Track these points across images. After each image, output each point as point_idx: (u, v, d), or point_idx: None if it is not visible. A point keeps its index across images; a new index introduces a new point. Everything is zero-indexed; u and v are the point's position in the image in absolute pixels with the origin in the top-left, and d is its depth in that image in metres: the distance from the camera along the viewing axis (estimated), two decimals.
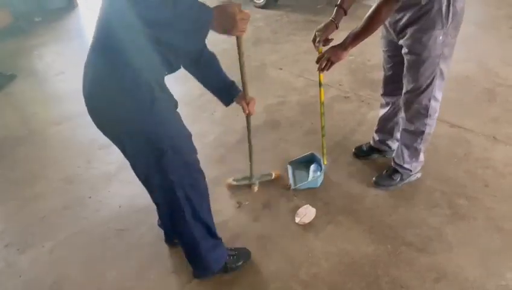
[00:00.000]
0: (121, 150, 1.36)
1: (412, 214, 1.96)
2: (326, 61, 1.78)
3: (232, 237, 1.92)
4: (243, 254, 1.80)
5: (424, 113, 1.87)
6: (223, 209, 2.11)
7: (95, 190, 2.40)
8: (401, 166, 2.08)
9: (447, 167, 2.24)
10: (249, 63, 3.82)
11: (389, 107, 2.17)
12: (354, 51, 3.76)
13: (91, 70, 1.23)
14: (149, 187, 1.48)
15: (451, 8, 1.59)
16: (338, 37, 1.85)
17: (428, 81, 1.77)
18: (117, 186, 2.41)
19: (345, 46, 1.71)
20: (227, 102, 1.79)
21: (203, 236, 1.57)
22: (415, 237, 1.84)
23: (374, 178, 2.17)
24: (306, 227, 1.95)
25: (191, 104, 3.18)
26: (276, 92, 3.28)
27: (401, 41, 1.76)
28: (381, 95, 2.21)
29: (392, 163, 2.13)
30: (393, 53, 1.91)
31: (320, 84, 2.04)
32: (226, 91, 1.73)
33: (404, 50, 1.76)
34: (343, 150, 2.48)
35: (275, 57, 4.01)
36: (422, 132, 1.94)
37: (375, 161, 2.35)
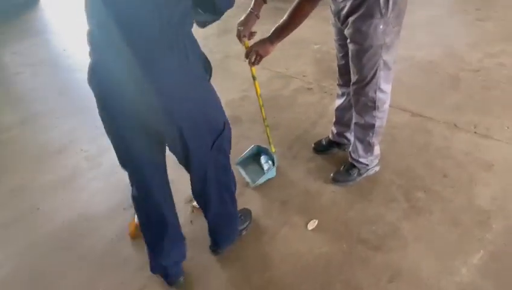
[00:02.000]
0: (180, 145, 1.28)
1: (369, 210, 1.91)
2: (255, 55, 1.72)
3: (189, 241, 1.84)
4: (247, 214, 1.91)
5: (372, 105, 1.82)
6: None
7: (46, 199, 2.28)
8: (357, 160, 2.02)
9: (406, 159, 2.19)
10: (212, 56, 3.72)
11: (344, 98, 2.11)
12: (319, 39, 3.72)
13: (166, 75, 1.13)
14: (205, 175, 1.44)
15: None
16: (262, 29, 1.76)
17: (372, 72, 1.72)
18: (70, 194, 2.30)
19: (271, 40, 1.67)
20: None
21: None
22: (371, 234, 1.79)
23: (331, 174, 2.11)
24: (260, 231, 1.87)
25: None
26: (239, 86, 3.18)
27: (345, 31, 1.70)
28: (337, 85, 2.14)
29: (349, 158, 2.07)
30: (344, 42, 1.83)
31: (253, 78, 1.98)
32: None
33: (348, 40, 1.71)
34: (303, 144, 2.41)
35: (239, 47, 3.86)
36: (373, 125, 1.88)
37: (335, 155, 2.29)
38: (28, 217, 2.17)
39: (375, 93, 1.78)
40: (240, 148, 2.45)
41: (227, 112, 2.83)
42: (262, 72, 3.37)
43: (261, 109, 2.10)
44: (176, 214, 1.60)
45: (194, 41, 1.21)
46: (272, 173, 2.16)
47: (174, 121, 1.20)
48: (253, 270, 1.70)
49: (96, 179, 2.34)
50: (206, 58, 1.29)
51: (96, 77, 1.17)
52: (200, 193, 1.52)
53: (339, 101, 2.17)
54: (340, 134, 2.24)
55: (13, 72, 4.10)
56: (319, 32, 3.66)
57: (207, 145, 1.34)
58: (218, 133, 1.37)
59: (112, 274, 1.78)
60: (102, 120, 1.28)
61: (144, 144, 1.32)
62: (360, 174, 2.06)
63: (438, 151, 2.22)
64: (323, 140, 2.33)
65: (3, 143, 2.89)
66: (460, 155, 2.17)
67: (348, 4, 1.61)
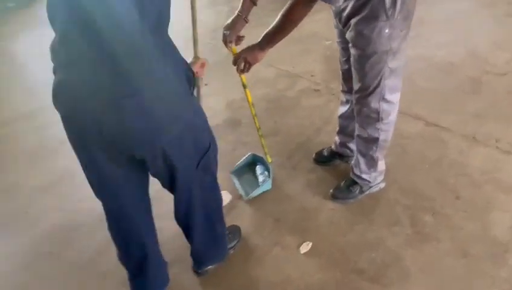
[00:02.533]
0: (164, 166, 1.15)
1: (369, 233, 1.74)
2: (243, 63, 1.55)
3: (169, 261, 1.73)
4: (235, 232, 1.78)
5: (375, 117, 1.63)
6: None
7: (36, 202, 2.21)
8: (359, 177, 1.84)
9: (416, 175, 1.99)
10: (217, 50, 3.56)
11: (349, 106, 1.92)
12: (331, 35, 3.45)
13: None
14: (190, 197, 1.31)
15: None
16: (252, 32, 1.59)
17: (376, 81, 1.53)
18: (60, 198, 2.22)
19: (261, 46, 1.49)
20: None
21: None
22: (369, 262, 1.62)
23: (331, 190, 1.94)
24: (249, 251, 1.74)
25: None
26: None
27: (346, 34, 1.51)
28: (341, 91, 1.96)
29: (351, 173, 1.89)
30: (346, 45, 1.65)
31: (244, 86, 1.84)
32: None
33: (350, 44, 1.53)
34: (305, 154, 2.23)
35: (245, 42, 3.68)
36: (376, 139, 1.70)
37: (337, 167, 2.11)
38: (15, 221, 2.11)
39: (379, 103, 1.60)
40: (236, 155, 2.31)
41: (227, 114, 2.68)
42: (267, 69, 3.18)
43: (254, 118, 1.97)
44: (156, 241, 1.48)
45: (173, 47, 1.06)
46: (267, 186, 2.01)
47: (157, 142, 1.06)
48: None
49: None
50: (188, 66, 1.14)
51: (63, 98, 1.01)
52: (184, 215, 1.39)
53: (342, 109, 1.99)
54: (343, 144, 2.05)
55: (21, 63, 4.06)
56: (331, 26, 3.42)
57: (192, 166, 1.21)
58: (204, 152, 1.23)
59: (95, 286, 1.70)
60: (72, 146, 1.13)
61: (121, 172, 1.17)
62: (362, 191, 1.88)
63: (452, 167, 2.01)
64: (325, 150, 2.15)
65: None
66: (477, 173, 1.95)
67: (350, 4, 1.43)
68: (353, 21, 1.45)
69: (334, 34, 1.76)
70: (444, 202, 1.82)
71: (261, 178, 2.05)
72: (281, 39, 1.48)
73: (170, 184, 1.25)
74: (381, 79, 1.53)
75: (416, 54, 2.90)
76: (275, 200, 1.97)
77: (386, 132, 1.70)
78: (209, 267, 1.64)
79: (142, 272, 1.41)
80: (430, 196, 1.86)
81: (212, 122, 2.81)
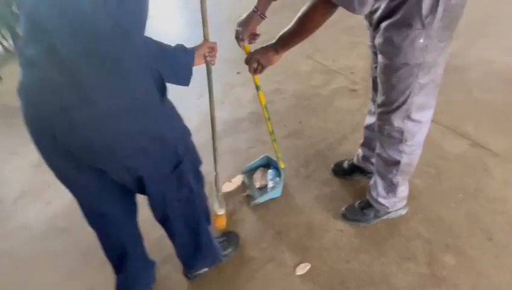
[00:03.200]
0: (132, 179, 1.09)
1: (376, 266, 1.55)
2: (256, 64, 1.43)
3: (160, 260, 1.71)
4: (232, 239, 1.71)
5: (398, 137, 1.42)
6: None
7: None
8: (375, 200, 1.65)
9: (446, 204, 1.73)
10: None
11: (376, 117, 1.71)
12: None
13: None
14: (165, 210, 1.25)
15: (441, 0, 1.10)
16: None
17: (402, 97, 1.32)
18: None
19: (276, 48, 1.35)
20: (186, 78, 1.30)
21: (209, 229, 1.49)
22: None
23: (343, 208, 1.77)
24: (241, 263, 1.65)
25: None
26: (274, 77, 2.85)
27: (375, 39, 1.31)
28: (371, 100, 1.75)
29: (367, 194, 1.70)
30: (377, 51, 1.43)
31: (257, 88, 1.70)
32: (180, 64, 1.29)
33: (378, 51, 1.32)
34: (323, 162, 2.06)
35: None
36: (397, 162, 1.49)
37: (356, 183, 1.92)
38: (38, 193, 2.23)
39: (403, 122, 1.38)
40: (252, 153, 2.22)
41: (253, 108, 2.53)
42: (304, 62, 2.98)
43: (267, 122, 1.83)
44: (139, 242, 1.44)
45: (143, 54, 0.95)
46: (276, 193, 1.90)
47: (113, 155, 0.98)
48: None
49: None
50: (158, 72, 1.02)
51: (21, 100, 0.94)
52: (162, 222, 1.33)
53: (370, 119, 1.78)
54: (366, 159, 1.85)
55: None
56: None
57: (162, 178, 1.13)
58: (175, 165, 1.14)
59: (91, 273, 1.74)
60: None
61: (89, 180, 1.10)
62: (377, 216, 1.69)
63: (490, 202, 1.72)
64: (346, 162, 1.96)
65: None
66: None
67: (383, 5, 1.22)
68: (383, 25, 1.24)
69: None
70: (472, 242, 1.57)
71: (270, 184, 1.93)
72: (297, 43, 1.32)
73: (141, 193, 1.17)
74: (409, 95, 1.31)
75: (477, 58, 2.52)
76: (281, 210, 1.85)
77: (410, 155, 1.48)
78: (198, 272, 1.59)
79: (122, 270, 1.40)
80: (457, 233, 1.62)
81: (235, 114, 2.76)
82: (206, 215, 1.42)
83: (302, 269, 1.59)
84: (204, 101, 2.71)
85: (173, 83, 1.32)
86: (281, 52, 1.38)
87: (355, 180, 1.93)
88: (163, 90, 1.01)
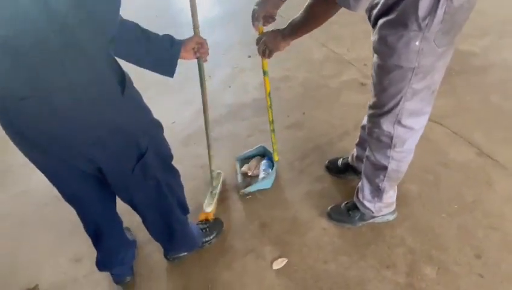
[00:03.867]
0: (92, 168, 1.10)
1: (353, 269, 1.53)
2: (264, 47, 1.40)
3: (143, 240, 1.76)
4: (216, 226, 1.73)
5: (386, 142, 1.37)
6: None
7: None
8: (361, 203, 1.61)
9: (437, 215, 1.66)
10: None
11: None
12: None
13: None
14: (132, 201, 1.28)
15: (442, 1, 1.01)
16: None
17: (393, 102, 1.26)
18: None
19: (283, 35, 1.31)
20: (171, 68, 1.31)
21: (186, 217, 1.49)
22: None
23: (329, 207, 1.73)
24: (222, 251, 1.67)
25: (187, 63, 2.88)
26: (285, 63, 2.77)
27: (371, 36, 1.25)
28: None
29: (354, 195, 1.66)
30: None
31: (264, 73, 1.65)
32: (165, 54, 1.28)
33: (372, 49, 1.26)
34: (319, 158, 2.01)
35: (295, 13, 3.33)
36: (385, 167, 1.44)
37: (349, 182, 1.86)
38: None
39: (393, 126, 1.32)
40: (249, 141, 2.21)
41: (258, 94, 2.53)
42: (318, 50, 2.87)
43: (268, 110, 1.80)
44: (116, 223, 1.47)
45: (105, 46, 0.93)
46: (265, 184, 1.89)
47: (77, 149, 1.00)
48: None
49: None
50: (119, 65, 1.02)
51: None
52: (135, 210, 1.35)
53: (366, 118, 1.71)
54: (359, 159, 1.79)
55: None
56: None
57: (125, 170, 1.13)
58: (138, 157, 1.13)
59: (81, 242, 1.82)
60: None
61: (55, 164, 1.10)
62: (363, 219, 1.65)
63: (487, 216, 1.63)
64: (340, 160, 1.91)
65: None
66: None
67: (381, 1, 1.15)
68: (380, 22, 1.17)
69: None
70: (458, 257, 1.51)
71: (262, 174, 1.92)
72: (304, 34, 1.28)
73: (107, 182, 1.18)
74: (400, 100, 1.24)
75: (501, 59, 2.34)
76: (269, 202, 1.84)
77: (398, 161, 1.42)
78: (177, 255, 1.62)
79: (99, 247, 1.44)
80: (445, 245, 1.55)
81: (240, 99, 2.72)
82: (180, 205, 1.42)
83: (279, 263, 1.59)
84: (211, 83, 2.70)
85: (157, 73, 1.32)
86: (288, 40, 1.34)
87: (348, 180, 1.88)
88: (123, 83, 0.99)
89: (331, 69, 2.65)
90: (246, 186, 1.89)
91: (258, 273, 1.57)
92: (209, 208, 1.79)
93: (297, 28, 1.26)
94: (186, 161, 2.11)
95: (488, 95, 2.18)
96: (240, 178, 1.95)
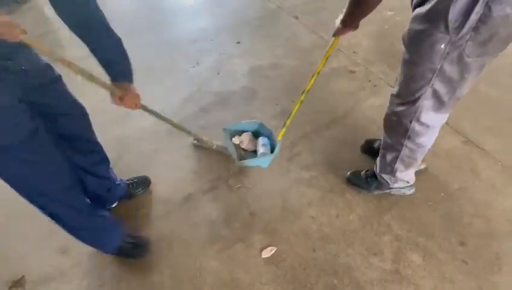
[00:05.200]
0: None
1: (341, 257, 1.54)
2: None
3: (131, 231, 1.74)
4: (142, 181, 1.87)
5: (403, 133, 1.39)
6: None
7: None
8: (378, 173, 1.66)
9: (424, 203, 1.69)
10: (264, 4, 3.25)
11: None
12: (397, 3, 3.00)
13: None
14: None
15: (477, 8, 0.94)
16: None
17: (412, 98, 1.26)
18: None
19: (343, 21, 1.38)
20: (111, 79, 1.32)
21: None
22: (327, 288, 1.46)
23: (348, 172, 1.79)
24: (211, 240, 1.67)
25: (176, 50, 2.82)
26: (274, 50, 2.73)
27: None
28: None
29: (374, 166, 1.69)
30: None
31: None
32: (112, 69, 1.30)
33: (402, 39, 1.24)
34: (307, 146, 2.01)
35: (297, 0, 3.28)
36: (398, 151, 1.47)
37: (339, 170, 1.87)
38: None
39: (411, 123, 1.32)
40: None
41: (247, 81, 2.61)
42: (308, 36, 2.83)
43: (310, 81, 1.76)
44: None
45: None
46: (264, 162, 1.81)
47: None
48: (183, 280, 1.54)
49: None
50: None
51: None
52: None
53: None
54: None
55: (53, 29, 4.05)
56: None
57: None
58: None
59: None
60: None
61: None
62: (379, 188, 1.70)
63: (472, 203, 1.66)
64: (378, 142, 1.82)
65: None
66: (500, 220, 1.59)
67: None
68: (414, 13, 1.13)
69: (402, 3, 1.48)
70: (443, 244, 1.54)
71: (262, 149, 1.83)
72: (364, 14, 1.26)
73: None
74: (419, 97, 1.23)
75: None
76: (258, 191, 1.83)
77: (411, 150, 1.45)
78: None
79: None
80: (430, 233, 1.58)
81: (228, 87, 2.65)
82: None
83: (268, 252, 1.60)
84: (198, 70, 2.65)
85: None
86: (348, 28, 1.43)
87: (339, 169, 1.88)
88: None
89: (320, 56, 2.61)
90: (241, 158, 1.83)
91: (247, 261, 1.58)
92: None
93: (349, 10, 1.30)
94: (172, 150, 2.08)
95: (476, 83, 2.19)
96: (231, 148, 1.86)
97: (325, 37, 2.76)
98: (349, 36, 2.75)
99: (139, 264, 1.61)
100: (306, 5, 3.19)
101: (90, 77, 1.18)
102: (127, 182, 1.83)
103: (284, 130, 1.83)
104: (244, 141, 1.93)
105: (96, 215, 1.49)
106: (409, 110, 1.29)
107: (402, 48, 1.23)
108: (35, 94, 1.16)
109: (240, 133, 1.99)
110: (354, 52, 2.59)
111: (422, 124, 1.31)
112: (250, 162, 1.82)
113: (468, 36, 1.00)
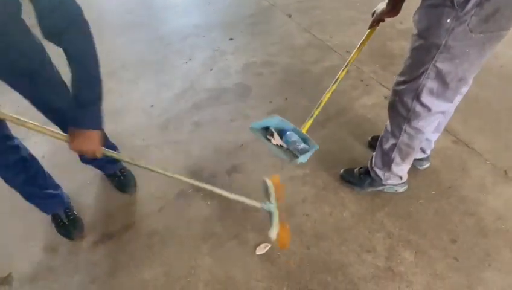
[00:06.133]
0: None
1: (335, 254, 1.55)
2: None
3: (123, 227, 1.72)
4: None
5: (403, 114, 1.39)
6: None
7: None
8: (372, 169, 1.67)
9: (415, 200, 1.71)
10: (257, 1, 3.25)
11: None
12: None
13: None
14: None
15: None
16: None
17: (415, 74, 1.27)
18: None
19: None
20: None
21: None
22: (321, 285, 1.46)
23: (342, 170, 1.81)
24: (205, 237, 1.65)
25: (168, 46, 2.78)
26: (268, 48, 2.73)
27: None
28: None
29: (368, 162, 1.71)
30: None
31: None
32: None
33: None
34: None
35: None
36: (396, 138, 1.49)
37: (333, 168, 1.88)
38: None
39: (413, 101, 1.33)
40: (234, 127, 2.17)
41: (240, 78, 2.58)
42: (301, 35, 2.84)
43: (343, 70, 1.73)
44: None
45: None
46: (306, 157, 1.54)
47: None
48: (177, 277, 1.52)
49: None
50: None
51: None
52: None
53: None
54: None
55: None
56: None
57: None
58: None
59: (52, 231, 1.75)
60: None
61: None
62: (372, 185, 1.72)
63: (463, 202, 1.69)
64: None
65: None
66: (490, 218, 1.62)
67: None
68: None
69: None
70: (435, 242, 1.56)
71: (301, 145, 1.59)
72: None
73: None
74: (421, 74, 1.25)
75: None
76: (251, 188, 1.82)
77: (410, 136, 1.46)
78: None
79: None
80: (422, 230, 1.60)
81: (221, 83, 2.64)
82: None
83: (262, 249, 1.59)
84: (191, 65, 2.63)
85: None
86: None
87: (332, 167, 1.89)
88: None
89: (314, 55, 2.63)
90: (293, 157, 1.56)
91: (241, 258, 1.57)
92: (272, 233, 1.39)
93: None
94: (165, 147, 2.06)
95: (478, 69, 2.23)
96: (277, 152, 1.62)
97: (319, 36, 2.77)
98: (343, 35, 2.79)
99: (132, 261, 1.59)
100: (299, 3, 3.20)
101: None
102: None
103: (313, 117, 1.69)
104: (276, 137, 1.69)
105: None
106: (410, 87, 1.30)
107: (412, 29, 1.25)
108: None
109: (265, 130, 1.74)
110: (347, 51, 2.61)
111: (422, 104, 1.32)
112: (308, 156, 1.55)
113: (472, 11, 1.03)
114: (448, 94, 1.28)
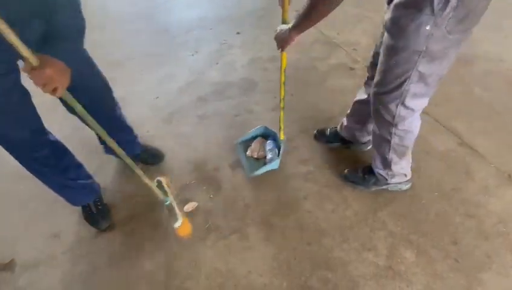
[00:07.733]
0: None
1: (336, 251, 1.56)
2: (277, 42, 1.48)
3: (125, 217, 1.72)
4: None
5: (389, 120, 1.42)
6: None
7: None
8: (375, 170, 1.70)
9: (418, 201, 1.71)
10: None
11: (368, 95, 1.68)
12: None
13: None
14: None
15: None
16: None
17: (397, 82, 1.28)
18: None
19: (290, 31, 1.35)
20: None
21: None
22: (321, 282, 1.47)
23: (345, 170, 1.82)
24: (206, 231, 1.66)
25: (174, 37, 2.77)
26: (274, 43, 2.70)
27: (385, 15, 1.24)
28: (367, 77, 1.73)
29: (371, 161, 1.73)
30: None
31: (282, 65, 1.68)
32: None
33: (384, 27, 1.26)
34: (305, 142, 2.01)
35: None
36: (388, 141, 1.51)
37: (335, 166, 1.88)
38: None
39: (397, 108, 1.36)
40: (237, 121, 2.17)
41: (246, 73, 2.59)
42: (308, 31, 2.81)
43: (281, 86, 1.73)
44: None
45: None
46: (274, 165, 1.85)
47: None
48: (179, 269, 1.53)
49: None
50: None
51: None
52: None
53: (361, 95, 1.76)
54: (349, 129, 1.86)
55: None
56: None
57: None
58: None
59: (59, 218, 1.76)
60: None
61: None
62: (377, 184, 1.74)
63: (464, 204, 1.69)
64: (328, 130, 1.97)
65: None
66: (491, 220, 1.63)
67: None
68: (395, 1, 1.16)
69: None
70: (436, 242, 1.57)
71: (269, 155, 1.87)
72: (308, 26, 1.28)
73: None
74: (404, 81, 1.27)
75: (485, 51, 2.39)
76: (254, 184, 1.83)
77: (401, 137, 1.48)
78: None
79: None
80: (424, 231, 1.61)
81: (227, 78, 2.66)
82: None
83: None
84: (197, 58, 2.62)
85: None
86: (293, 36, 1.37)
87: (332, 160, 1.89)
88: None
89: (320, 51, 2.62)
90: (253, 169, 1.84)
91: (243, 253, 1.58)
92: (177, 223, 1.47)
93: (301, 22, 1.27)
94: (168, 139, 2.06)
95: (471, 86, 2.23)
96: (244, 162, 1.90)
97: (326, 33, 2.76)
98: (350, 33, 2.77)
99: (134, 252, 1.60)
100: None
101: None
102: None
103: (282, 129, 1.85)
104: (255, 149, 1.95)
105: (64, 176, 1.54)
106: (394, 95, 1.33)
107: (384, 37, 1.26)
108: None
109: (251, 142, 2.00)
110: (354, 49, 2.60)
111: (407, 107, 1.35)
112: (260, 171, 1.83)
113: (450, 15, 1.06)
114: (429, 92, 1.32)
